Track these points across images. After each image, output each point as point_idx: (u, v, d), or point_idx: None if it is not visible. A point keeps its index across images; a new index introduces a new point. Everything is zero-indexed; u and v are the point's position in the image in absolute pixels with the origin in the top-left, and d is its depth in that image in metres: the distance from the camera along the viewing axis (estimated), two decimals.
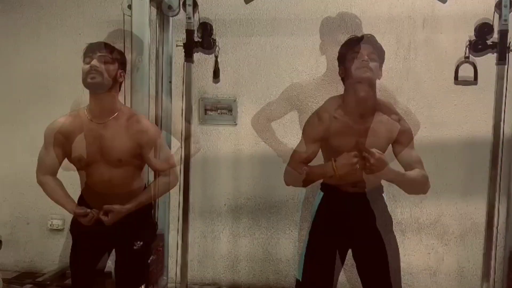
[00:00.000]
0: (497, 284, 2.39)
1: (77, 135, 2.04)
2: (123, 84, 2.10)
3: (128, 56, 2.12)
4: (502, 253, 2.47)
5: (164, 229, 2.57)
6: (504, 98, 2.25)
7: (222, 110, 3.14)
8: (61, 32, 3.24)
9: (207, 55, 2.52)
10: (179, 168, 2.40)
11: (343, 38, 2.10)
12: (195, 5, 2.39)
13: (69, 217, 2.13)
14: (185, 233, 2.58)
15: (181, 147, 2.44)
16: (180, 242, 2.57)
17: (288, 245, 3.12)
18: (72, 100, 2.20)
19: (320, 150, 2.07)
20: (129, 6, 2.23)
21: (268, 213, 3.14)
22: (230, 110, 3.12)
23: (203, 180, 3.13)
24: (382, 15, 2.94)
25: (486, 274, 2.34)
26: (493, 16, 2.18)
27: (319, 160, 2.09)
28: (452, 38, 2.80)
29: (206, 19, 2.41)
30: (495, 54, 2.23)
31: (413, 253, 3.06)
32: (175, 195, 2.52)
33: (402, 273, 2.17)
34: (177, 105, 2.45)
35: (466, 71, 2.28)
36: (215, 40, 2.45)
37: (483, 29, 2.20)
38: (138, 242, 2.12)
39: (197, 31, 2.42)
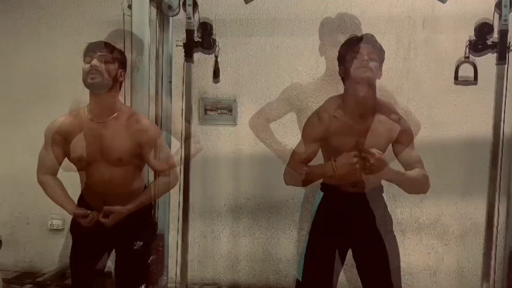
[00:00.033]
0: (497, 284, 2.39)
1: (77, 134, 2.04)
2: (123, 84, 2.10)
3: (128, 56, 2.12)
4: (502, 253, 2.46)
5: (164, 229, 2.57)
6: (504, 98, 2.24)
7: (222, 110, 3.14)
8: (61, 32, 3.24)
9: (207, 55, 2.52)
10: (179, 168, 2.40)
11: (342, 39, 2.10)
12: (195, 5, 2.39)
13: (69, 217, 2.13)
14: (185, 233, 2.58)
15: (181, 147, 2.44)
16: (180, 242, 2.57)
17: (288, 245, 3.12)
18: (72, 100, 2.20)
19: (320, 150, 2.07)
20: (129, 6, 2.23)
21: (268, 213, 3.14)
22: (230, 110, 3.12)
23: (203, 180, 3.13)
24: (382, 15, 2.94)
25: (486, 274, 2.34)
26: (493, 16, 2.18)
27: (319, 160, 2.09)
28: (452, 38, 2.80)
29: (206, 19, 2.41)
30: (495, 54, 2.23)
31: (413, 253, 3.06)
32: (175, 195, 2.52)
33: (402, 273, 2.17)
34: (177, 105, 2.45)
35: (466, 71, 2.27)
36: (215, 40, 2.45)
37: (483, 29, 2.20)
38: (138, 242, 2.12)
39: (197, 31, 2.42)
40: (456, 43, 2.40)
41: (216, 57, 2.47)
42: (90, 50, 1.98)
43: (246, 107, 3.07)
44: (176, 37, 2.55)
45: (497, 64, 2.23)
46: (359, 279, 2.13)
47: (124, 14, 2.23)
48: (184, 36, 2.43)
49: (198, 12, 2.41)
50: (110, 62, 1.98)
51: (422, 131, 2.44)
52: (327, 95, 2.11)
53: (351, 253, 2.13)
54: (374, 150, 1.88)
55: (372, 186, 2.08)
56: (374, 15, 2.92)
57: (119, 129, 2.03)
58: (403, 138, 2.02)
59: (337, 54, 2.08)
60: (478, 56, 2.25)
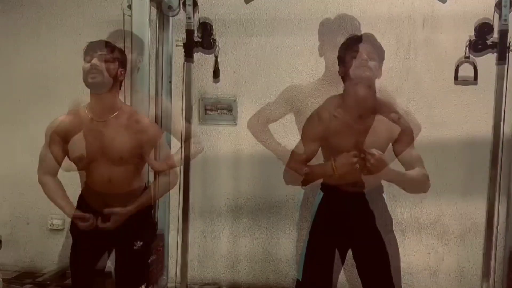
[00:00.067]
0: (497, 284, 2.39)
1: (77, 133, 2.05)
2: (123, 83, 2.10)
3: (128, 56, 2.12)
4: (502, 253, 2.46)
5: (164, 229, 2.57)
6: (504, 98, 2.24)
7: (222, 110, 3.14)
8: (61, 32, 3.24)
9: (207, 55, 2.52)
10: (179, 168, 2.40)
11: (341, 39, 2.10)
12: (195, 5, 2.39)
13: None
14: (185, 233, 2.58)
15: (181, 147, 2.44)
16: (180, 242, 2.56)
17: (288, 245, 3.12)
18: (72, 100, 2.19)
19: (320, 150, 2.07)
20: (129, 6, 2.23)
21: (268, 213, 3.14)
22: (230, 110, 3.12)
23: (203, 180, 3.13)
24: (382, 15, 2.94)
25: (486, 274, 2.34)
26: (493, 16, 2.18)
27: (319, 159, 2.09)
28: (452, 38, 2.80)
29: (206, 19, 2.41)
30: (495, 54, 2.22)
31: (413, 253, 3.06)
32: (175, 195, 2.52)
33: (402, 273, 2.17)
34: (177, 105, 2.45)
35: (466, 71, 2.27)
36: (215, 40, 2.45)
37: (483, 29, 2.20)
38: (138, 242, 2.12)
39: (197, 31, 2.42)
40: (456, 43, 2.39)
41: (216, 57, 2.47)
42: (91, 50, 1.98)
43: (246, 107, 3.07)
44: (176, 37, 2.55)
45: (497, 64, 2.23)
46: (359, 279, 2.13)
47: (124, 14, 2.23)
48: (184, 36, 2.43)
49: (198, 12, 2.41)
50: (110, 61, 1.98)
51: (422, 131, 2.44)
52: (327, 96, 2.11)
53: (351, 253, 2.13)
54: (374, 151, 1.88)
55: (372, 186, 2.08)
56: (374, 15, 2.93)
57: (119, 128, 2.03)
58: (403, 137, 2.02)
59: (336, 54, 2.08)
60: (478, 56, 2.25)
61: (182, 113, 2.49)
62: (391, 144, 2.04)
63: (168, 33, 2.53)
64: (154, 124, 2.18)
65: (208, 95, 3.13)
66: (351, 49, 1.97)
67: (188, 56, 2.45)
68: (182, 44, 2.44)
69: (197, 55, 2.51)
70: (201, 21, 2.41)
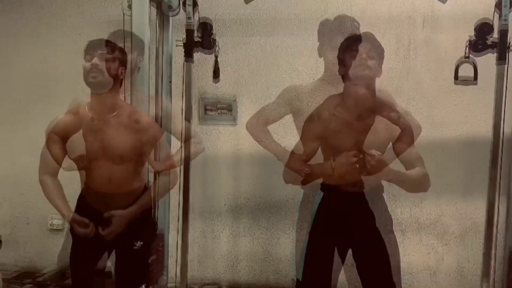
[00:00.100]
0: (497, 284, 2.39)
1: (78, 133, 2.05)
2: (123, 82, 2.10)
3: (128, 56, 2.12)
4: (502, 252, 2.46)
5: (164, 229, 2.57)
6: (504, 98, 2.24)
7: (222, 110, 3.14)
8: (61, 32, 3.24)
9: (207, 55, 2.52)
10: (179, 168, 2.40)
11: (340, 40, 2.10)
12: (195, 5, 2.39)
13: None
14: (185, 233, 2.58)
15: (181, 147, 2.44)
16: (180, 242, 2.56)
17: (288, 244, 3.12)
18: (72, 99, 2.20)
19: (320, 149, 2.07)
20: (129, 6, 2.23)
21: (268, 213, 3.14)
22: (230, 110, 3.12)
23: (203, 180, 3.13)
24: (382, 15, 2.94)
25: (486, 274, 2.34)
26: (493, 16, 2.18)
27: (319, 159, 2.09)
28: (452, 37, 2.80)
29: (206, 18, 2.41)
30: (495, 54, 2.22)
31: (413, 253, 3.06)
32: (175, 195, 2.52)
33: (402, 273, 2.17)
34: (177, 105, 2.45)
35: (466, 71, 2.27)
36: (215, 40, 2.45)
37: (483, 29, 2.20)
38: (138, 242, 2.12)
39: (197, 31, 2.42)
40: (456, 43, 2.40)
41: (216, 57, 2.47)
42: (91, 48, 1.98)
43: (246, 107, 3.07)
44: (176, 36, 2.55)
45: (497, 64, 2.22)
46: (359, 279, 2.13)
47: (124, 14, 2.23)
48: (184, 35, 2.43)
49: (198, 12, 2.41)
50: (110, 60, 1.98)
51: (422, 131, 2.44)
52: (327, 96, 2.11)
53: (351, 253, 2.13)
54: (373, 151, 1.89)
55: (372, 186, 2.08)
56: (374, 15, 2.93)
57: (120, 127, 2.03)
58: (403, 137, 2.02)
59: (335, 55, 2.08)
60: (478, 56, 2.25)
61: (182, 113, 2.49)
62: (391, 143, 2.04)
63: (168, 33, 2.53)
64: (154, 123, 2.18)
65: (208, 95, 3.13)
66: (351, 48, 1.97)
67: (188, 56, 2.45)
68: (182, 44, 2.44)
69: (197, 55, 2.51)
70: (201, 21, 2.41)
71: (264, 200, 3.14)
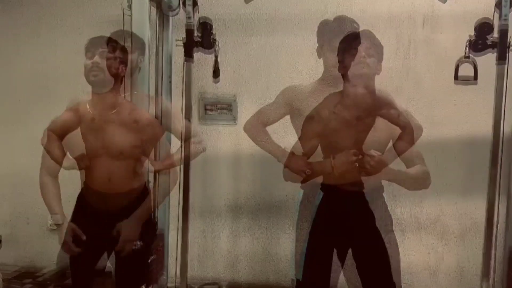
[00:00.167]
0: (497, 284, 2.39)
1: (79, 130, 2.05)
2: (124, 81, 2.10)
3: (129, 55, 2.12)
4: (502, 252, 2.46)
5: (164, 228, 2.57)
6: (504, 97, 2.24)
7: (222, 110, 3.14)
8: (61, 32, 3.25)
9: (207, 55, 2.52)
10: (179, 168, 2.40)
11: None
12: (195, 5, 2.39)
13: (68, 215, 2.13)
14: (185, 233, 2.58)
15: (181, 147, 2.44)
16: (180, 241, 2.56)
17: (288, 244, 3.12)
18: (71, 99, 2.19)
19: (320, 147, 2.07)
20: (129, 6, 2.23)
21: (268, 213, 3.14)
22: (230, 110, 3.12)
23: (203, 180, 3.13)
24: (382, 15, 2.94)
25: (486, 274, 2.34)
26: (493, 16, 2.18)
27: (318, 157, 2.09)
28: (452, 37, 2.80)
29: (206, 18, 2.41)
30: (495, 54, 2.22)
31: (413, 252, 3.06)
32: (175, 195, 2.51)
33: (402, 272, 2.17)
34: (177, 104, 2.45)
35: (466, 71, 2.27)
36: (215, 39, 2.45)
37: (483, 29, 2.20)
38: (138, 242, 2.12)
39: (197, 30, 2.42)
40: (456, 43, 2.39)
41: (216, 56, 2.47)
42: (92, 46, 1.98)
43: (246, 107, 3.07)
44: (176, 36, 2.55)
45: (497, 63, 2.22)
46: (359, 279, 2.13)
47: (124, 13, 2.24)
48: (184, 35, 2.43)
49: (198, 12, 2.41)
50: (112, 58, 1.98)
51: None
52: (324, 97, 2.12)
53: (351, 253, 2.13)
54: (372, 152, 1.89)
55: (372, 186, 2.08)
56: (374, 15, 2.93)
57: (120, 124, 2.03)
58: (404, 135, 2.02)
59: (334, 56, 2.08)
60: (478, 56, 2.25)
61: (182, 112, 2.49)
62: (391, 141, 2.04)
63: (168, 33, 2.53)
64: (156, 121, 2.18)
65: (208, 95, 3.13)
66: (350, 46, 1.97)
67: (188, 55, 2.45)
68: (182, 44, 2.44)
69: (197, 55, 2.51)
70: (201, 21, 2.41)
71: (264, 199, 3.14)
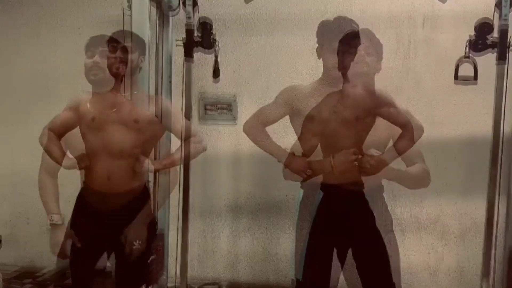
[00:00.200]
0: (497, 284, 2.39)
1: (80, 129, 2.05)
2: (124, 80, 2.10)
3: (130, 55, 2.12)
4: (502, 252, 2.46)
5: (164, 228, 2.57)
6: (504, 97, 2.24)
7: (222, 110, 3.14)
8: (61, 32, 3.25)
9: (207, 55, 2.52)
10: (179, 167, 2.40)
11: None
12: (194, 5, 2.39)
13: (68, 214, 2.14)
14: (185, 233, 2.58)
15: (181, 146, 2.44)
16: (180, 241, 2.56)
17: (288, 244, 3.12)
18: (70, 98, 2.19)
19: (320, 147, 2.07)
20: (129, 6, 2.23)
21: (268, 213, 3.14)
22: (230, 110, 3.12)
23: (203, 179, 3.13)
24: (381, 14, 2.94)
25: (486, 274, 2.34)
26: (493, 15, 2.18)
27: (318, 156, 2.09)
28: (452, 37, 2.79)
29: (206, 18, 2.41)
30: (495, 53, 2.22)
31: (413, 252, 3.06)
32: (175, 195, 2.52)
33: (402, 272, 2.17)
34: (177, 104, 2.45)
35: (466, 71, 2.27)
36: (215, 39, 2.45)
37: (483, 28, 2.20)
38: (138, 242, 2.12)
39: (197, 30, 2.42)
40: (456, 43, 2.40)
41: (216, 56, 2.47)
42: (92, 45, 1.99)
43: (246, 107, 3.07)
44: (176, 36, 2.55)
45: (497, 63, 2.22)
46: (359, 279, 2.13)
47: (124, 13, 2.24)
48: (184, 34, 2.43)
49: (198, 12, 2.41)
50: (112, 58, 1.98)
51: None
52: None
53: (350, 252, 2.13)
54: (372, 151, 1.89)
55: (372, 186, 2.08)
56: (374, 15, 2.92)
57: (121, 123, 2.03)
58: (404, 135, 2.02)
59: (334, 57, 2.08)
60: (478, 56, 2.25)
61: (182, 112, 2.49)
62: (391, 140, 2.05)
63: (168, 33, 2.53)
64: (156, 120, 2.17)
65: (208, 95, 3.13)
66: (349, 45, 1.97)
67: (188, 55, 2.45)
68: (182, 44, 2.44)
69: (197, 55, 2.51)
70: (201, 21, 2.41)
71: (264, 199, 3.14)
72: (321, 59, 2.29)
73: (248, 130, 2.28)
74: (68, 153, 2.10)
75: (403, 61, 2.97)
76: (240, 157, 3.12)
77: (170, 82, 2.55)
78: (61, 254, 2.13)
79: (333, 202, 2.10)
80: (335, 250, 2.11)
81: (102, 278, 2.22)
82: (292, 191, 2.99)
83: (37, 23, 3.28)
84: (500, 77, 2.22)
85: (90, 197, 2.09)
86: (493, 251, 2.31)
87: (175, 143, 2.42)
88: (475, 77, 2.25)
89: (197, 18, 2.40)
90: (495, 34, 2.19)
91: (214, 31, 2.44)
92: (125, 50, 2.06)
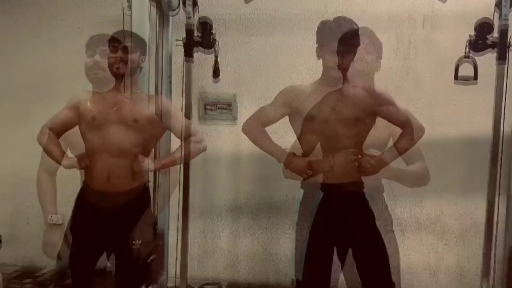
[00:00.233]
0: (497, 284, 2.39)
1: (80, 128, 2.05)
2: (124, 80, 2.10)
3: (131, 55, 2.12)
4: (502, 252, 2.46)
5: (164, 228, 2.57)
6: (504, 97, 2.24)
7: (222, 109, 3.14)
8: (61, 32, 3.25)
9: (207, 55, 2.52)
10: (179, 167, 2.40)
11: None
12: (194, 5, 2.39)
13: (67, 213, 2.14)
14: (185, 232, 2.57)
15: (181, 146, 2.44)
16: (180, 241, 2.56)
17: (288, 244, 3.12)
18: (69, 98, 2.19)
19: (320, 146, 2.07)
20: (129, 6, 2.23)
21: (268, 212, 3.14)
22: (230, 109, 3.12)
23: (203, 179, 3.13)
24: (382, 14, 2.94)
25: (486, 274, 2.34)
26: (493, 15, 2.18)
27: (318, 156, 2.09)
28: (452, 37, 2.79)
29: (206, 18, 2.41)
30: (495, 53, 2.22)
31: (413, 252, 3.05)
32: (175, 195, 2.52)
33: (402, 272, 2.17)
34: (177, 104, 2.45)
35: (466, 70, 2.27)
36: (215, 39, 2.45)
37: (483, 28, 2.20)
38: (137, 241, 2.12)
39: (197, 30, 2.42)
40: (456, 42, 2.39)
41: (216, 56, 2.47)
42: (92, 44, 1.99)
43: (246, 107, 3.07)
44: (176, 36, 2.55)
45: (497, 63, 2.22)
46: (359, 279, 2.13)
47: (124, 13, 2.24)
48: (184, 35, 2.43)
49: (198, 12, 2.41)
50: (112, 57, 1.98)
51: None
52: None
53: (350, 252, 2.14)
54: (372, 151, 1.89)
55: (372, 186, 2.08)
56: (374, 15, 2.92)
57: (121, 121, 2.03)
58: (405, 134, 2.02)
59: (334, 57, 2.08)
60: (478, 55, 2.25)
61: (182, 112, 2.48)
62: (391, 139, 2.05)
63: (168, 32, 2.53)
64: (156, 120, 2.17)
65: (208, 94, 3.13)
66: (349, 43, 1.97)
67: (188, 55, 2.45)
68: (182, 44, 2.44)
69: (197, 55, 2.51)
70: (201, 21, 2.41)
71: (264, 199, 3.14)
72: (320, 59, 2.29)
73: (248, 131, 2.28)
74: (68, 152, 2.10)
75: (403, 61, 2.97)
76: (240, 157, 3.12)
77: (170, 82, 2.55)
78: (49, 253, 2.13)
79: (333, 202, 2.10)
80: (335, 250, 2.11)
81: (102, 278, 2.22)
82: (292, 191, 2.98)
83: (37, 23, 3.28)
84: (500, 77, 2.22)
85: (90, 197, 2.09)
86: (493, 251, 2.30)
87: (175, 143, 2.42)
88: (475, 77, 2.25)
89: (197, 18, 2.40)
90: (495, 34, 2.19)
91: (214, 31, 2.44)
92: (126, 49, 2.06)
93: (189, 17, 2.38)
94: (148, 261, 2.22)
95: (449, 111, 2.95)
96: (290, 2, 3.04)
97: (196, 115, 3.10)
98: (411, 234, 3.05)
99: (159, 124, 2.17)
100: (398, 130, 2.03)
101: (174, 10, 2.41)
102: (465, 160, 2.96)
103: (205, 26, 2.41)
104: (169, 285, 2.68)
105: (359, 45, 1.96)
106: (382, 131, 2.03)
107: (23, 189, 3.27)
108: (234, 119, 3.11)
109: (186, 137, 2.21)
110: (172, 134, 2.40)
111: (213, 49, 2.45)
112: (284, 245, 3.14)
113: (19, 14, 3.29)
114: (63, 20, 3.25)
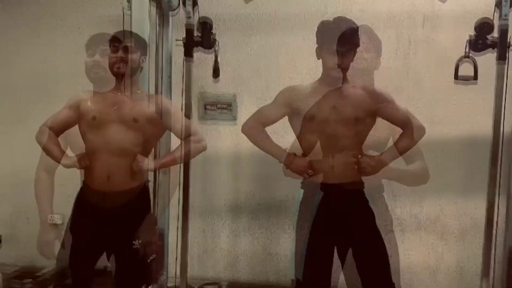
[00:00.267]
0: (497, 283, 2.39)
1: (80, 128, 2.05)
2: (125, 79, 2.10)
3: (131, 55, 2.12)
4: (502, 251, 2.46)
5: (164, 228, 2.57)
6: (504, 96, 2.24)
7: (222, 109, 3.14)
8: (61, 31, 3.25)
9: (207, 55, 2.52)
10: (179, 167, 2.40)
11: None
12: (194, 4, 2.39)
13: (67, 212, 2.13)
14: (185, 232, 2.58)
15: (180, 145, 2.44)
16: (180, 240, 2.56)
17: (288, 244, 3.11)
18: (69, 97, 2.19)
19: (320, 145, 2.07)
20: (129, 6, 2.23)
21: (268, 212, 3.14)
22: (230, 109, 3.12)
23: (203, 179, 3.13)
24: (381, 14, 2.94)
25: (485, 273, 2.34)
26: (493, 15, 2.18)
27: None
28: (452, 36, 2.79)
29: (206, 17, 2.41)
30: (495, 53, 2.22)
31: (413, 252, 3.05)
32: (175, 195, 2.52)
33: (402, 272, 2.17)
34: (177, 103, 2.45)
35: (466, 70, 2.27)
36: (215, 39, 2.45)
37: (483, 28, 2.20)
38: (137, 241, 2.12)
39: (197, 30, 2.42)
40: (456, 42, 2.40)
41: (216, 56, 2.47)
42: (93, 44, 1.99)
43: (246, 106, 3.07)
44: (176, 35, 2.55)
45: (497, 63, 2.22)
46: (359, 278, 2.13)
47: (124, 13, 2.24)
48: (184, 34, 2.43)
49: (198, 11, 2.41)
50: (113, 56, 1.98)
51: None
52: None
53: (350, 252, 2.14)
54: (371, 152, 1.89)
55: (372, 186, 2.09)
56: (374, 15, 2.93)
57: (121, 122, 2.03)
58: (405, 134, 2.02)
59: (333, 57, 2.08)
60: (478, 55, 2.25)
61: (182, 111, 2.48)
62: (391, 138, 2.05)
63: (168, 32, 2.53)
64: (156, 119, 2.17)
65: (208, 94, 3.13)
66: (348, 41, 1.97)
67: (188, 55, 2.46)
68: (182, 43, 2.44)
69: (197, 54, 2.51)
70: (201, 20, 2.41)
71: (264, 199, 3.14)
72: (320, 59, 2.29)
73: (248, 131, 2.28)
74: (68, 151, 2.10)
75: (403, 61, 2.97)
76: (240, 157, 3.12)
77: (170, 81, 2.56)
78: (45, 252, 2.13)
79: (333, 201, 2.10)
80: (335, 250, 2.11)
81: (102, 278, 2.22)
82: (292, 191, 2.98)
83: (37, 23, 3.28)
84: (500, 76, 2.22)
85: (90, 196, 2.09)
86: (493, 251, 2.31)
87: (175, 142, 2.42)
88: (475, 76, 2.25)
89: (197, 18, 2.40)
90: (495, 33, 2.19)
91: (214, 31, 2.44)
92: (126, 49, 2.06)
93: (189, 17, 2.38)
94: (148, 261, 2.22)
95: (449, 111, 2.95)
96: (290, 2, 3.04)
97: (196, 115, 3.10)
98: (411, 234, 3.05)
99: (159, 124, 2.17)
100: (398, 130, 2.03)
101: (174, 10, 2.41)
102: (465, 160, 2.96)
103: (205, 26, 2.41)
104: (169, 285, 2.68)
105: (359, 45, 1.96)
106: (382, 131, 2.03)
107: (23, 189, 3.26)
108: (234, 119, 3.11)
109: (186, 136, 2.21)
110: (172, 134, 2.40)
111: (213, 49, 2.45)
112: (284, 245, 3.14)
113: (19, 14, 3.29)
114: (63, 20, 3.25)
